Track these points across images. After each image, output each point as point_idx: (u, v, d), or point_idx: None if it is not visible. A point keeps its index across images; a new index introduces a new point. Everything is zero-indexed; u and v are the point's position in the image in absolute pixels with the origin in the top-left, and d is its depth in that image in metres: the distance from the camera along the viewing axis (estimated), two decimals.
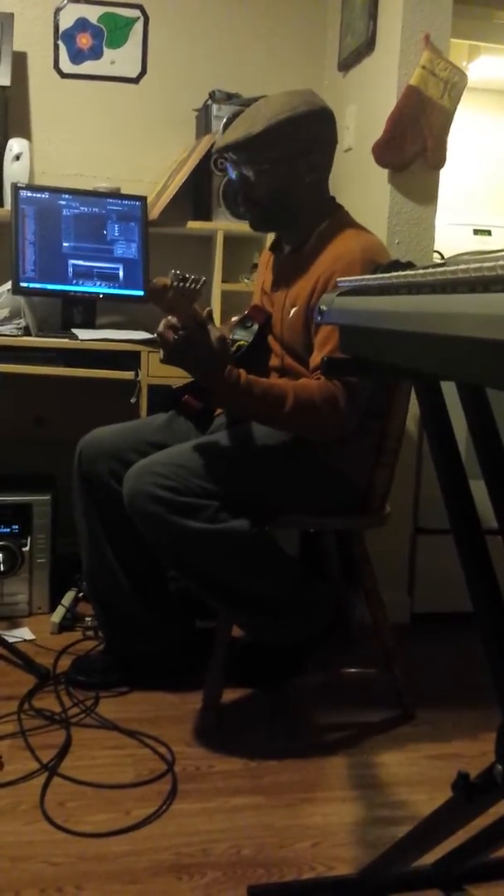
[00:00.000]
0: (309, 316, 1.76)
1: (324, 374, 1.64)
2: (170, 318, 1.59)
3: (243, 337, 1.90)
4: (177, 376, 1.81)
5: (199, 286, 1.50)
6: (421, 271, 0.82)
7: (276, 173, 1.75)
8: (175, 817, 1.49)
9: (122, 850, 1.39)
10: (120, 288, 2.54)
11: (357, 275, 1.24)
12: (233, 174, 1.82)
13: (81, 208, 2.50)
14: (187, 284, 1.49)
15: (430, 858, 1.27)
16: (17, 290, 2.44)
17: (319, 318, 1.12)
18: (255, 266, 2.50)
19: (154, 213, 2.57)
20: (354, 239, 1.76)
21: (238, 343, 1.87)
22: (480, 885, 1.33)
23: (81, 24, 2.69)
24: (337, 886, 1.33)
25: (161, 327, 1.61)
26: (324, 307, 1.09)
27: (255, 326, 1.91)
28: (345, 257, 1.71)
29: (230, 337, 1.77)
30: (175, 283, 1.49)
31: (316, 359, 1.72)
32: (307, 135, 1.74)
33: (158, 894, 1.29)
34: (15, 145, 2.51)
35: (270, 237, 2.03)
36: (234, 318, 2.02)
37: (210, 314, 1.59)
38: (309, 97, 1.75)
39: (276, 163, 1.74)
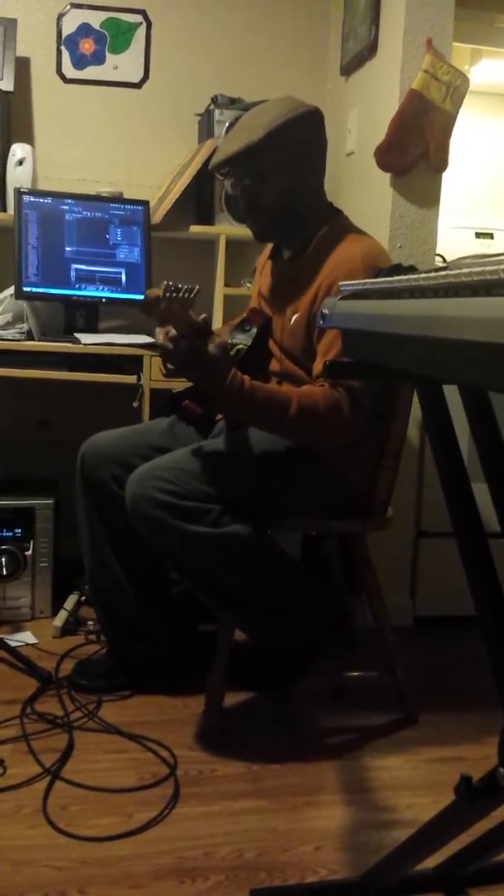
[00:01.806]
0: (311, 323, 1.75)
1: (327, 378, 1.64)
2: (168, 328, 1.58)
3: (242, 341, 1.89)
4: (177, 380, 1.81)
5: (192, 295, 1.49)
6: (423, 275, 0.82)
7: (282, 176, 1.75)
8: (177, 821, 1.49)
9: (124, 853, 1.39)
10: (122, 292, 2.54)
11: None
12: (233, 189, 1.81)
13: (84, 213, 2.51)
14: (180, 294, 1.49)
15: (432, 862, 1.27)
16: (19, 294, 2.45)
17: (322, 322, 1.12)
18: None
19: (156, 217, 2.57)
20: (356, 244, 1.76)
21: (237, 347, 1.87)
22: (483, 888, 1.33)
23: (84, 30, 2.70)
24: (339, 890, 1.33)
25: (160, 339, 1.60)
26: (326, 311, 1.10)
27: (254, 330, 1.90)
28: (346, 264, 1.71)
29: (229, 341, 1.76)
30: (167, 294, 1.49)
31: (318, 366, 1.71)
32: (307, 135, 1.75)
33: None
34: (18, 150, 2.52)
35: (269, 245, 2.02)
36: (233, 321, 2.02)
37: (206, 321, 1.59)
38: (298, 101, 1.76)
39: (281, 166, 1.74)
